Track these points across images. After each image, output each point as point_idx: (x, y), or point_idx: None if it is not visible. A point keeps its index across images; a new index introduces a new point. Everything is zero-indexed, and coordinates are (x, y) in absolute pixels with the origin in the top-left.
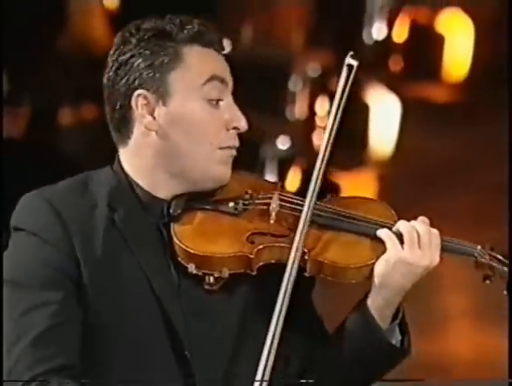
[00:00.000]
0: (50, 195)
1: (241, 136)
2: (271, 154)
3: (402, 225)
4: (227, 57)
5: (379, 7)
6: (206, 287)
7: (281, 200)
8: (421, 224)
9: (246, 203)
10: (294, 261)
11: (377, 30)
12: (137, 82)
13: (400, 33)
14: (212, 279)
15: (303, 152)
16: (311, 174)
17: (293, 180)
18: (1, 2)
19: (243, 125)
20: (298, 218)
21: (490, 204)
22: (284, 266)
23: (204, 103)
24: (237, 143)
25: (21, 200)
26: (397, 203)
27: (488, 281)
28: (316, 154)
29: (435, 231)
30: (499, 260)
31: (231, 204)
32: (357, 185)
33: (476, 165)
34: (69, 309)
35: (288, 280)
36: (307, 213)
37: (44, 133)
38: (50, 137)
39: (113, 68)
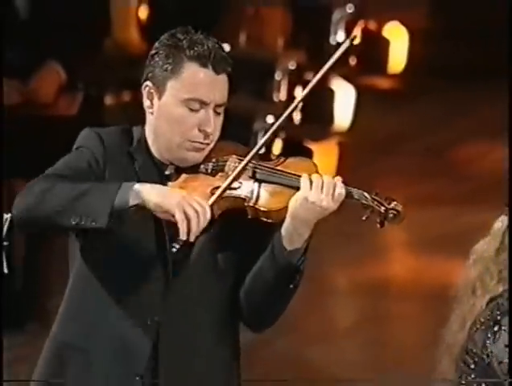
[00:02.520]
0: (100, 130)
1: (238, 114)
2: (261, 128)
3: (315, 176)
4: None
5: (340, 18)
6: None
7: (238, 161)
8: (329, 178)
9: (214, 164)
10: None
11: (339, 36)
12: (150, 75)
13: (356, 36)
14: None
15: (285, 126)
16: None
17: (276, 146)
18: (58, 14)
19: (209, 130)
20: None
21: (423, 164)
22: (243, 213)
23: (184, 109)
24: (204, 140)
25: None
26: (353, 164)
27: (365, 217)
28: (294, 128)
29: (340, 186)
30: (378, 202)
31: (202, 166)
32: (325, 150)
33: (411, 134)
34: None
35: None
36: (241, 167)
37: (93, 112)
38: (98, 116)
39: (147, 60)
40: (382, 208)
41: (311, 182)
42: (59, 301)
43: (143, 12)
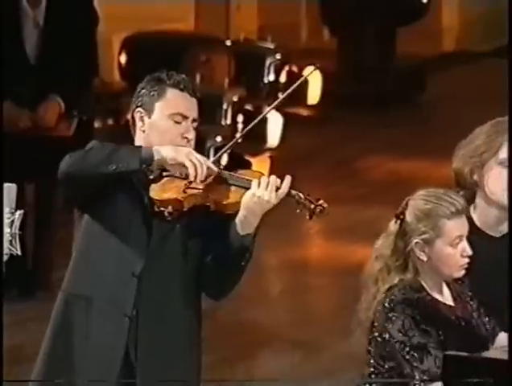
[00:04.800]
0: (101, 141)
1: (195, 135)
2: (212, 145)
3: (263, 178)
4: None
5: (271, 63)
6: (167, 218)
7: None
8: (274, 179)
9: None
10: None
11: (271, 76)
12: (140, 103)
13: (283, 77)
14: (166, 213)
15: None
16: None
17: (223, 159)
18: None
19: (190, 137)
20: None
21: (333, 172)
22: (207, 207)
23: (170, 122)
24: (186, 145)
25: None
26: (281, 172)
27: (299, 211)
28: (237, 144)
29: (283, 186)
30: (309, 200)
31: (178, 172)
32: (260, 162)
33: (325, 150)
34: None
35: None
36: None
37: (85, 134)
38: (88, 137)
39: (134, 94)
40: (312, 205)
41: (259, 183)
42: (60, 274)
43: (123, 58)
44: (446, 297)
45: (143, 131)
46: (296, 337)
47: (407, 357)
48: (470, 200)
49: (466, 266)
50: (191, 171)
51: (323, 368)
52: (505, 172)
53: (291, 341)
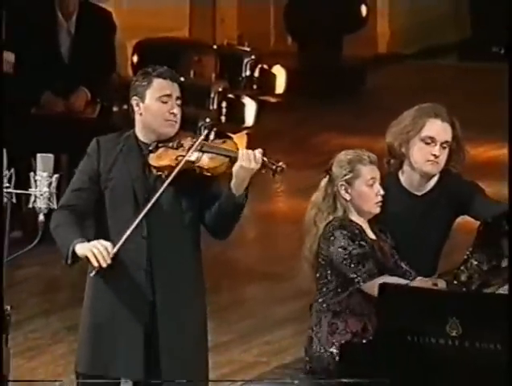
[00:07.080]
0: (101, 137)
1: (190, 117)
2: (203, 124)
3: (245, 150)
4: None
5: (247, 62)
6: (164, 181)
7: (191, 141)
8: (252, 151)
9: (178, 143)
10: (181, 164)
11: (247, 72)
12: (135, 92)
13: (256, 73)
14: (163, 176)
15: (215, 124)
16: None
17: (211, 135)
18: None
19: (175, 111)
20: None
21: (295, 146)
22: (192, 170)
23: (158, 103)
24: (174, 118)
25: None
26: (255, 146)
27: (264, 172)
28: (221, 124)
29: (258, 153)
30: (271, 162)
31: (170, 144)
32: (239, 138)
33: (288, 129)
34: (89, 185)
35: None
36: (191, 146)
37: (106, 116)
38: (108, 118)
39: (130, 87)
40: (274, 166)
41: (242, 155)
42: (89, 222)
43: (135, 58)
44: (370, 233)
45: (140, 114)
46: (266, 270)
47: (351, 265)
48: (399, 167)
49: (380, 204)
50: (92, 261)
51: (285, 294)
52: (425, 146)
53: (262, 273)
